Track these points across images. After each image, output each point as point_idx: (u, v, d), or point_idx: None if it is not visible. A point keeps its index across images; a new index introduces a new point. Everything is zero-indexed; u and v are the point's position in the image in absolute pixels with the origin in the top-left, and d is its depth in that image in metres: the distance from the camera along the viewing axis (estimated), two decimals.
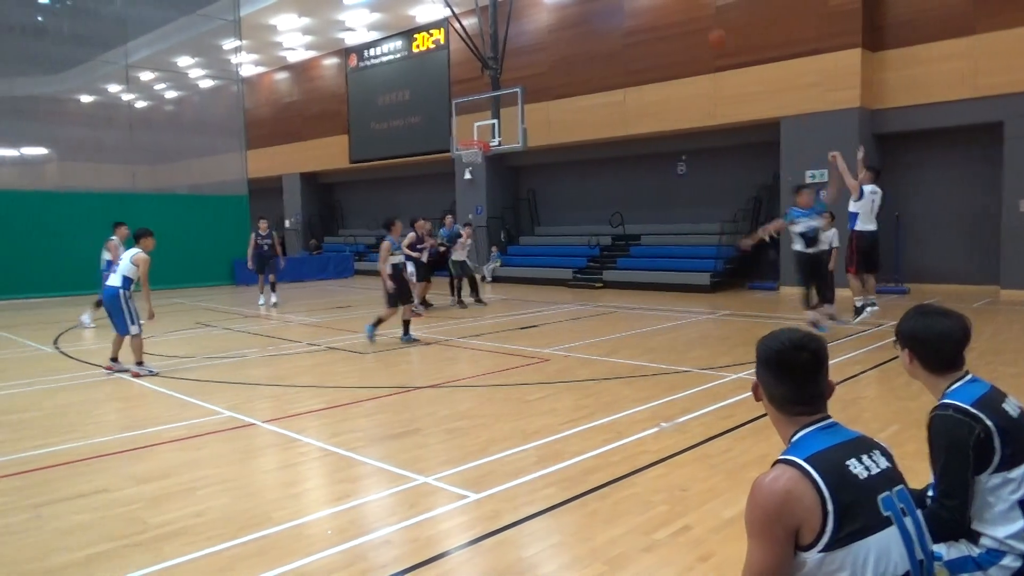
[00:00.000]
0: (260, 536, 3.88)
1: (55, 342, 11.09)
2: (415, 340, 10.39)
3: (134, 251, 8.53)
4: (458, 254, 14.93)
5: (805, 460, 1.83)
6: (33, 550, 3.78)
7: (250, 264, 15.80)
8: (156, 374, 8.40)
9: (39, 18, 21.64)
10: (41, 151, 21.38)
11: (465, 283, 15.20)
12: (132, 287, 8.48)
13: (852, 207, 8.48)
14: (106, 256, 12.32)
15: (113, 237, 12.50)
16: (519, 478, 4.66)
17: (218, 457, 5.32)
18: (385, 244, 10.31)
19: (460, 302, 15.04)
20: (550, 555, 3.63)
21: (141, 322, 8.43)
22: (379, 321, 10.41)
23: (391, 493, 4.52)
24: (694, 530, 3.84)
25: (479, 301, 15.16)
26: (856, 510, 1.79)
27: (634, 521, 3.97)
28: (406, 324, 10.53)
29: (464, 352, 9.72)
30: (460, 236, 14.93)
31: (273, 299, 15.62)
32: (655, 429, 5.71)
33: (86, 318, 12.84)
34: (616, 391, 7.09)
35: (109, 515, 4.21)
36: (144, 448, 5.53)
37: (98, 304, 12.54)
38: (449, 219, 15.75)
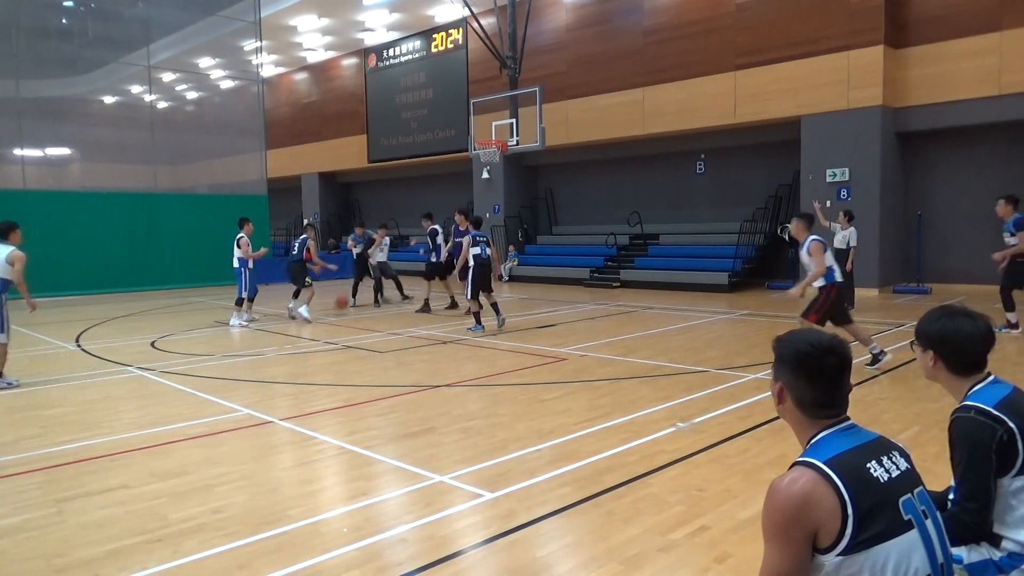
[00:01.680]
0: (277, 533, 3.91)
1: (77, 340, 11.24)
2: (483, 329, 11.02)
3: (8, 249, 7.79)
4: (377, 256, 15.41)
5: (824, 463, 1.80)
6: (56, 545, 3.84)
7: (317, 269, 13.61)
8: (16, 386, 7.76)
9: (64, 20, 21.97)
10: (65, 151, 21.71)
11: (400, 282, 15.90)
12: (9, 290, 7.78)
13: (829, 260, 7.74)
14: (237, 253, 12.33)
15: (242, 234, 12.41)
16: (534, 477, 4.66)
17: (236, 454, 5.37)
18: (467, 238, 11.25)
19: (379, 302, 15.28)
20: (565, 554, 3.62)
21: (11, 328, 7.91)
22: (472, 313, 11.21)
23: (407, 491, 4.54)
24: (711, 531, 3.82)
25: (406, 297, 15.72)
26: (877, 513, 1.76)
27: (650, 521, 3.95)
28: (476, 315, 11.19)
29: (480, 351, 9.72)
30: (374, 241, 15.37)
31: (305, 313, 12.75)
32: (672, 429, 5.69)
33: (235, 320, 12.42)
34: (633, 391, 7.06)
35: (130, 511, 4.27)
36: (164, 445, 5.59)
37: (239, 303, 12.45)
38: (359, 229, 15.89)
